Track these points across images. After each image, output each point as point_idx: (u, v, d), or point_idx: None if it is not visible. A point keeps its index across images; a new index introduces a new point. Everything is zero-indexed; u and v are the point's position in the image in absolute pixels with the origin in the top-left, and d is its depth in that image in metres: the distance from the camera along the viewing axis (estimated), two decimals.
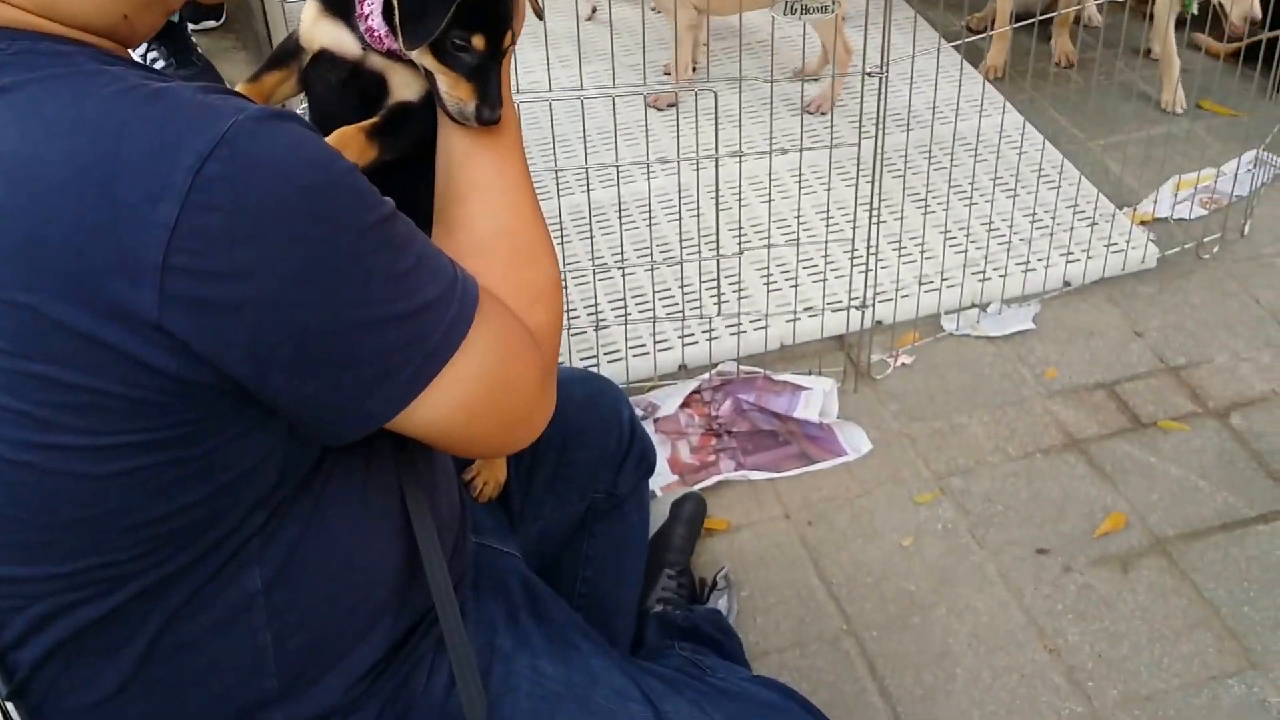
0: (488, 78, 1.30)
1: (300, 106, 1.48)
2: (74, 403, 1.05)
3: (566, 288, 3.05)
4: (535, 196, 1.36)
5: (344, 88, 1.37)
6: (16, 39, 1.09)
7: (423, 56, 1.30)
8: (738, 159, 2.72)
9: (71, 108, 1.03)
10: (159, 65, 3.39)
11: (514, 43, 1.34)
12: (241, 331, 1.05)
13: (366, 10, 1.31)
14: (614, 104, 2.65)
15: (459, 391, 1.17)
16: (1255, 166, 3.52)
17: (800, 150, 2.68)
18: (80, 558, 1.15)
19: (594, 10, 4.34)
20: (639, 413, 2.72)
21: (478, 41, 1.29)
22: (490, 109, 1.30)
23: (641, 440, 1.98)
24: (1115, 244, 3.23)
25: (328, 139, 1.29)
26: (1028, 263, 3.15)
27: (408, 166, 1.36)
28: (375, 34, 1.32)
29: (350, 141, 1.31)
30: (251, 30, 3.69)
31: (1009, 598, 2.40)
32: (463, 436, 1.22)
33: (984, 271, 3.14)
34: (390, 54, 1.33)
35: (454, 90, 1.30)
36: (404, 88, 1.35)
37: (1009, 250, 3.16)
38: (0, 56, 1.07)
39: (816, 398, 2.78)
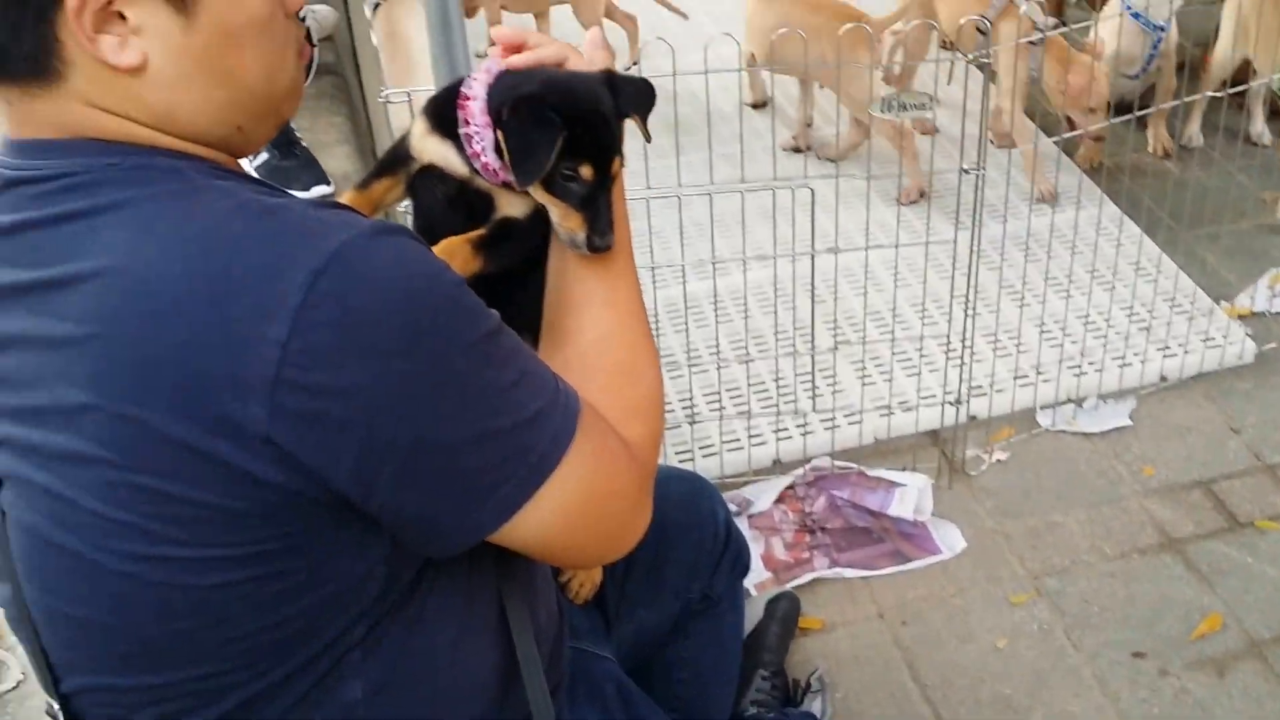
0: (597, 206, 1.33)
1: (405, 208, 1.51)
2: (180, 514, 1.06)
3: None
4: (644, 313, 1.38)
5: (451, 202, 1.40)
6: (130, 154, 1.12)
7: (535, 190, 1.33)
8: (833, 253, 2.74)
9: (184, 224, 1.06)
10: (262, 156, 3.47)
11: (624, 166, 1.36)
12: (349, 446, 1.05)
13: (478, 148, 1.34)
14: (711, 199, 2.68)
15: (559, 504, 1.17)
16: None
17: (896, 246, 2.69)
18: (181, 668, 1.16)
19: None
20: (733, 508, 2.73)
21: (586, 172, 1.32)
22: (600, 237, 1.32)
23: (737, 540, 1.99)
24: (1212, 339, 3.20)
25: (435, 248, 1.31)
26: (1124, 357, 3.13)
27: (513, 276, 1.39)
28: (490, 168, 1.35)
29: (457, 252, 1.34)
30: (355, 126, 3.77)
31: (1105, 702, 2.38)
32: (561, 548, 1.23)
33: (1080, 366, 3.12)
34: (505, 184, 1.36)
35: (565, 221, 1.33)
36: (510, 206, 1.38)
37: (1105, 345, 3.14)
38: (115, 172, 1.10)
39: (911, 494, 2.77)
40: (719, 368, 2.97)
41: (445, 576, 1.26)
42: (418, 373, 1.06)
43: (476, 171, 1.37)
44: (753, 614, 2.42)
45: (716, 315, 2.91)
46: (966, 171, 2.55)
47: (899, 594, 2.62)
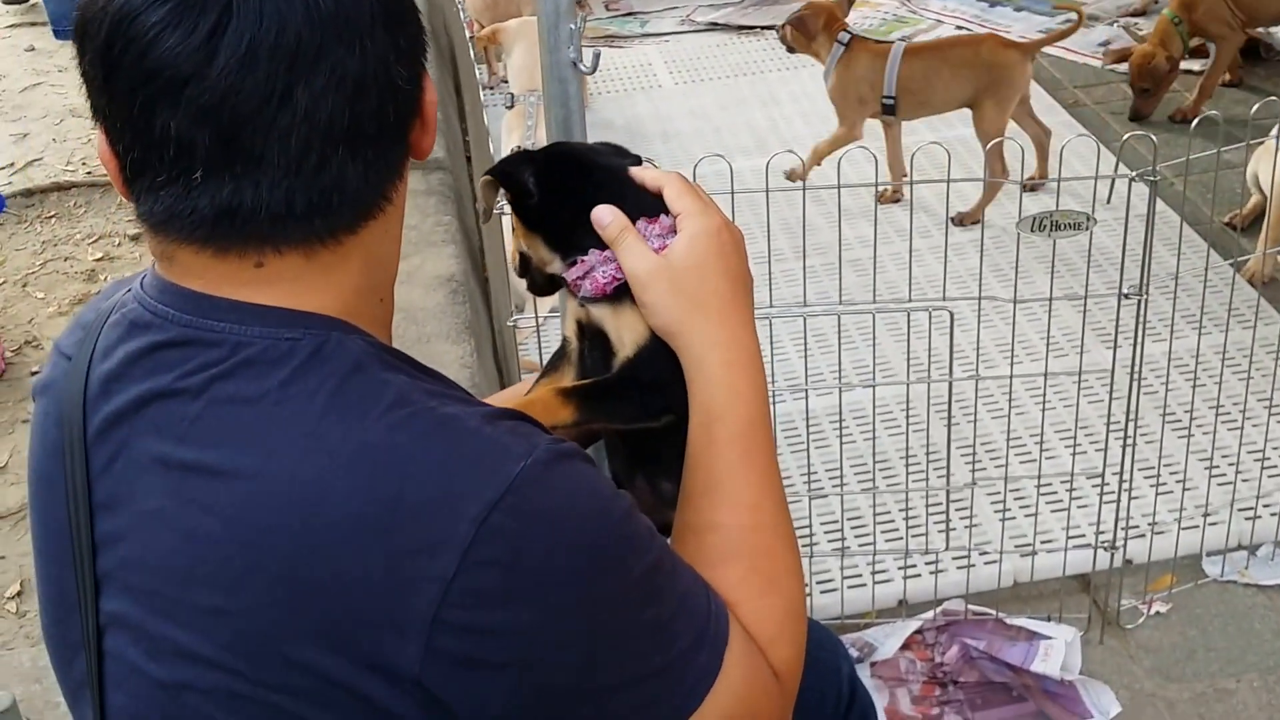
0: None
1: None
2: None
3: None
4: (787, 512, 1.31)
5: (591, 351, 1.42)
6: (312, 327, 1.10)
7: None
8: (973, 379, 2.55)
9: (356, 433, 1.04)
10: None
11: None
12: (500, 690, 1.05)
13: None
14: (839, 320, 2.53)
15: None
16: None
17: (1045, 375, 2.49)
18: None
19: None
20: (853, 653, 2.56)
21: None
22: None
23: (862, 701, 1.84)
24: None
25: (526, 398, 1.38)
26: None
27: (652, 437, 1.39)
28: (580, 279, 1.37)
29: (536, 403, 1.35)
30: (463, 225, 3.66)
31: None
32: None
33: (1254, 509, 2.86)
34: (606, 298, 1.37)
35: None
36: (621, 341, 1.36)
37: None
38: (295, 350, 1.08)
39: (1057, 649, 2.58)
40: (842, 496, 2.78)
41: None
42: (582, 617, 1.07)
43: (583, 302, 1.39)
44: None
45: (841, 437, 2.71)
46: (1127, 296, 2.35)
47: None
